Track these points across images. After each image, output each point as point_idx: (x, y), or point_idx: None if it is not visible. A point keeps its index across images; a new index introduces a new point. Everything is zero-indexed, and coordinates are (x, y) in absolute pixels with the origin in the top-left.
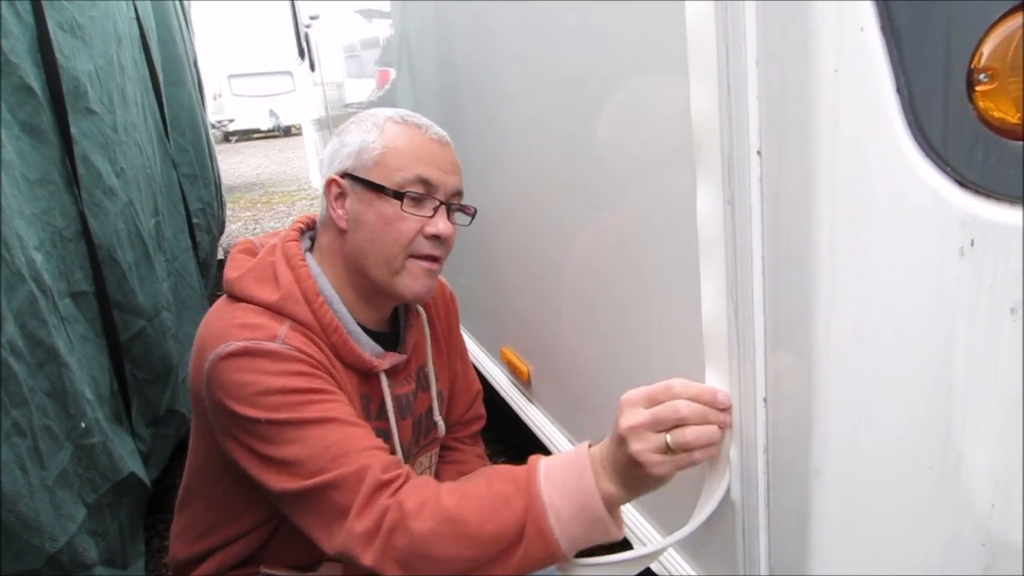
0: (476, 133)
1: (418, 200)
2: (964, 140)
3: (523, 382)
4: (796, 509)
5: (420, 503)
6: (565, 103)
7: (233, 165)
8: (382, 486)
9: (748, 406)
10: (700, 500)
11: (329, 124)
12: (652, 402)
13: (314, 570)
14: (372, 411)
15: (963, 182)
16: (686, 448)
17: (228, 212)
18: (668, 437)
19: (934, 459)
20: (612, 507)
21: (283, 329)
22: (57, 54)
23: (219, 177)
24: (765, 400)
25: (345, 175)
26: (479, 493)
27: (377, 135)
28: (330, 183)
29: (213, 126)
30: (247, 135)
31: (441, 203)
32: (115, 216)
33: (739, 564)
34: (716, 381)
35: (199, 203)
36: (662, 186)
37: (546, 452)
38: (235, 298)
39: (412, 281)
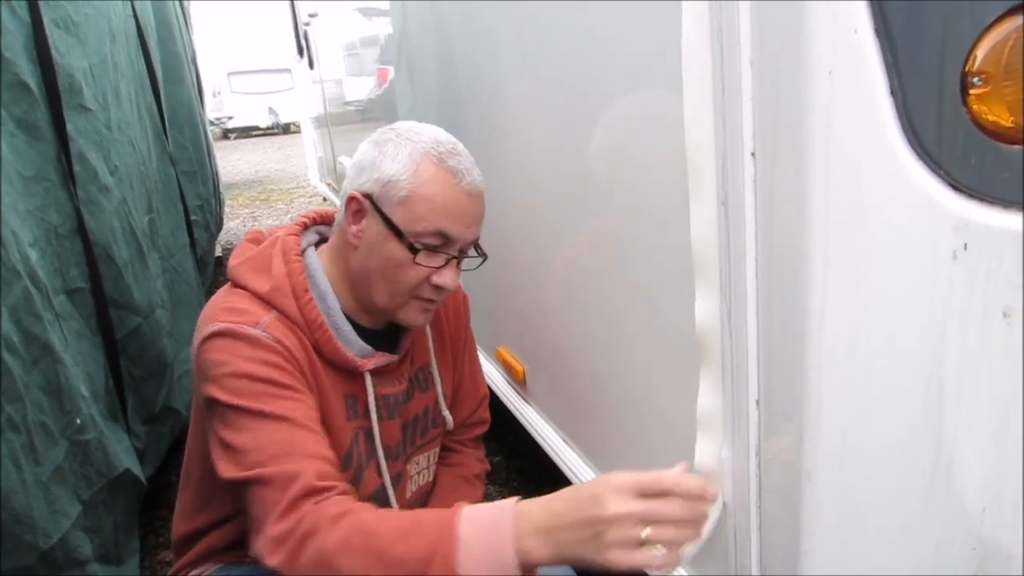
0: (473, 132)
1: (432, 250)
2: (958, 143)
3: (518, 381)
4: (787, 511)
5: (341, 512)
6: (563, 102)
7: (232, 162)
8: (310, 492)
9: (740, 408)
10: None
11: (328, 122)
12: (641, 494)
13: None
14: (359, 410)
15: (956, 185)
16: (659, 542)
17: (227, 209)
18: (647, 531)
19: (926, 462)
20: (529, 565)
21: (267, 317)
22: (53, 51)
23: (218, 174)
24: (757, 402)
25: (368, 197)
26: (400, 516)
27: (410, 173)
28: (352, 199)
29: (212, 123)
30: (246, 132)
31: (453, 257)
32: (110, 213)
33: (731, 565)
34: (709, 382)
35: (197, 200)
36: (658, 187)
37: (541, 451)
38: (234, 285)
39: (412, 316)
